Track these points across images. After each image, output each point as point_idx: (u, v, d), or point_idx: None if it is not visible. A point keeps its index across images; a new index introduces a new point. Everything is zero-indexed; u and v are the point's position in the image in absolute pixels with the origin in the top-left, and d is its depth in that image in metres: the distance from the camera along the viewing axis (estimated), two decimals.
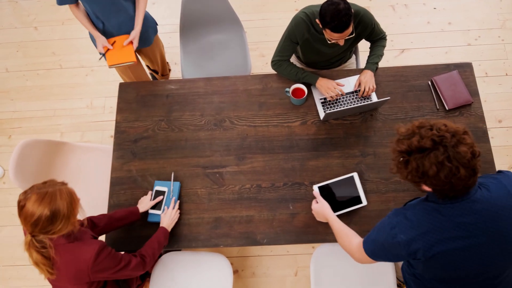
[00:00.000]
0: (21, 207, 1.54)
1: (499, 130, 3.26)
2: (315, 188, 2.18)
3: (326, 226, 2.17)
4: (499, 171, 1.66)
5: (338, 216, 2.19)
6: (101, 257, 1.71)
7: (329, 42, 2.19)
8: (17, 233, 3.14)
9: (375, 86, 2.36)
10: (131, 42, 2.49)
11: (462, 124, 2.33)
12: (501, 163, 3.16)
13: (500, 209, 1.50)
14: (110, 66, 2.43)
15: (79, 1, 2.45)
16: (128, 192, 2.29)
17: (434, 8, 3.71)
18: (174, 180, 2.30)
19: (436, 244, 1.51)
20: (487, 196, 1.52)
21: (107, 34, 2.58)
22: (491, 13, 3.65)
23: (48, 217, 1.54)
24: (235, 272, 2.93)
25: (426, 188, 1.52)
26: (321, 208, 2.04)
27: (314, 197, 2.23)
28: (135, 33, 2.50)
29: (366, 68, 2.41)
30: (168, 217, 2.15)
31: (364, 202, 2.18)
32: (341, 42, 2.15)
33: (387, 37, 3.62)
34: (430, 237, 1.51)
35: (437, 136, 1.42)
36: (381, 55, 2.44)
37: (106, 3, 2.37)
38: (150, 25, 2.70)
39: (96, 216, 2.05)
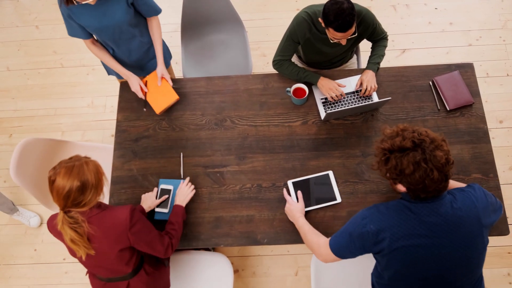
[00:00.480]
0: (52, 181, 1.61)
1: (500, 130, 3.26)
2: (290, 184, 2.23)
3: (325, 226, 2.17)
4: (468, 185, 1.74)
5: (311, 211, 2.20)
6: (135, 217, 1.80)
7: (331, 41, 2.18)
8: (18, 232, 3.15)
9: (376, 86, 2.36)
10: (164, 79, 2.40)
11: (463, 125, 2.33)
12: (502, 164, 3.16)
13: (463, 217, 1.60)
14: (160, 113, 2.38)
15: (94, 36, 2.31)
16: (129, 191, 2.30)
17: (436, 8, 3.71)
18: (178, 177, 2.30)
19: (402, 238, 1.60)
20: (454, 202, 1.62)
21: (118, 60, 2.47)
22: (492, 13, 3.65)
23: (78, 188, 1.61)
24: (236, 271, 2.94)
25: (401, 188, 1.64)
26: (297, 210, 2.11)
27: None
28: (162, 69, 2.39)
29: (367, 68, 2.41)
30: (182, 194, 2.17)
31: (339, 199, 2.20)
32: (344, 42, 2.15)
33: (388, 37, 3.62)
34: (397, 230, 1.61)
35: (417, 139, 1.57)
36: (383, 55, 2.44)
37: (115, 32, 2.24)
38: (165, 49, 2.62)
39: None
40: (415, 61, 3.53)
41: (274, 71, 3.55)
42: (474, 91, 2.41)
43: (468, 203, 1.62)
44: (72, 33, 2.22)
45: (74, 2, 1.99)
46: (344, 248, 1.73)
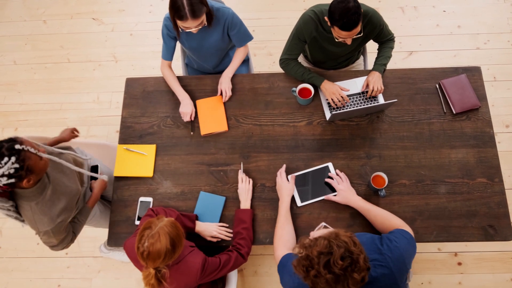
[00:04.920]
0: (147, 254, 1.67)
1: (506, 135, 3.24)
2: (290, 177, 2.24)
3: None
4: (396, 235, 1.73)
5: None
6: (206, 269, 1.88)
7: (336, 40, 2.17)
8: (20, 225, 3.16)
9: (383, 87, 2.35)
10: (223, 103, 2.46)
11: (469, 128, 2.31)
12: (507, 168, 3.14)
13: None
14: (204, 135, 2.39)
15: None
16: (132, 188, 2.30)
17: (444, 11, 3.69)
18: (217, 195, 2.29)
19: None
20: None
21: (203, 70, 2.74)
22: (501, 17, 3.63)
23: (170, 250, 1.69)
24: (238, 270, 2.93)
25: None
26: (286, 189, 2.14)
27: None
28: (225, 80, 2.47)
29: (374, 69, 2.40)
30: (243, 193, 2.21)
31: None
32: (349, 41, 2.14)
33: (396, 39, 3.60)
34: None
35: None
36: (389, 56, 2.42)
37: (208, 52, 2.51)
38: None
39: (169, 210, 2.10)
40: (422, 63, 3.51)
41: (280, 71, 3.53)
42: (481, 95, 2.39)
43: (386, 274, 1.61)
44: (164, 56, 2.48)
45: (180, 30, 2.23)
46: (282, 274, 1.77)
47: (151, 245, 1.66)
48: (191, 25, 2.14)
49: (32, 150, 1.71)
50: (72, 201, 2.01)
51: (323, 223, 1.67)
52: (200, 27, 2.18)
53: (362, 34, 2.17)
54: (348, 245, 1.43)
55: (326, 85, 2.37)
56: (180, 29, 2.22)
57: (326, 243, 1.43)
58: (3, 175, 1.65)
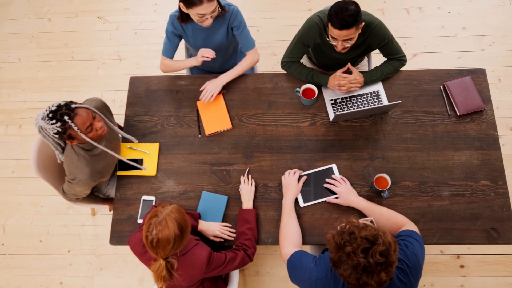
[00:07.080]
0: (156, 242, 1.69)
1: (510, 137, 3.23)
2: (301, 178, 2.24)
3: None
4: (407, 236, 1.75)
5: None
6: (211, 262, 1.90)
7: (327, 40, 2.15)
8: (23, 222, 3.17)
9: (352, 87, 2.32)
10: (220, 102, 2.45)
11: (473, 131, 2.30)
12: (511, 171, 3.13)
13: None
14: (208, 135, 2.39)
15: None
16: (135, 187, 2.30)
17: (449, 13, 3.68)
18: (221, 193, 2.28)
19: None
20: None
21: (204, 68, 2.74)
22: (506, 19, 3.61)
23: (178, 235, 1.71)
24: (239, 270, 2.93)
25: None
26: (294, 188, 2.14)
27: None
28: (219, 83, 2.42)
29: (364, 74, 2.37)
30: (245, 193, 2.21)
31: None
32: (338, 46, 2.12)
33: (400, 40, 3.58)
34: None
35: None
36: (387, 73, 2.39)
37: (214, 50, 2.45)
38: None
39: None
40: (426, 65, 3.50)
41: (284, 71, 3.53)
42: (486, 97, 2.38)
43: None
44: (165, 53, 2.46)
45: (193, 16, 2.19)
46: (294, 272, 1.77)
47: (159, 232, 1.67)
48: (207, 10, 2.12)
49: (75, 128, 1.86)
50: (109, 169, 2.19)
51: (371, 218, 1.68)
52: (215, 15, 2.18)
53: (353, 41, 2.12)
54: (390, 247, 1.45)
55: (330, 81, 2.37)
56: (191, 18, 2.19)
57: (375, 233, 1.46)
58: (50, 129, 1.87)
